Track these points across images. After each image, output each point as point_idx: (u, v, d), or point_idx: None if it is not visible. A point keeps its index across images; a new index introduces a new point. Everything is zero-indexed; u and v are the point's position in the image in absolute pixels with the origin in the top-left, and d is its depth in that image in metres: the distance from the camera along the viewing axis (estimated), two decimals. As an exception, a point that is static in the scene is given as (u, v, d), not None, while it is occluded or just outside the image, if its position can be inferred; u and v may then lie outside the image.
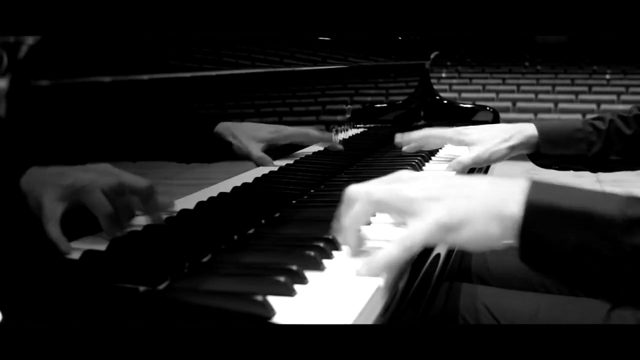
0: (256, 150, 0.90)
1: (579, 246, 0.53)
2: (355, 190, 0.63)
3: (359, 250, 0.64)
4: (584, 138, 1.13)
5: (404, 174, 0.65)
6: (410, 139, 1.21)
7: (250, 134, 0.88)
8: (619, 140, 1.13)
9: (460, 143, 1.15)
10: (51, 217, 0.54)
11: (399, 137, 1.22)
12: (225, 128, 0.82)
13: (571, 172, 1.21)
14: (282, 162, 0.99)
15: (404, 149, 1.23)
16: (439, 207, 0.58)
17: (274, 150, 0.97)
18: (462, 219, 0.57)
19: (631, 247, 0.52)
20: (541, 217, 0.55)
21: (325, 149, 1.13)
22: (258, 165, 0.90)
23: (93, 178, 0.59)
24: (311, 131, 1.10)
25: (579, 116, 8.09)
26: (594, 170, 1.17)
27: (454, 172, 1.10)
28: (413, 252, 0.59)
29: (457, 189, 0.60)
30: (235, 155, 0.85)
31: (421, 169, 1.14)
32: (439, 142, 1.22)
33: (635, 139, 1.13)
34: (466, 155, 1.11)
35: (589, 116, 1.22)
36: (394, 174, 0.65)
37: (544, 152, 1.13)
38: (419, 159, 1.16)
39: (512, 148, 1.12)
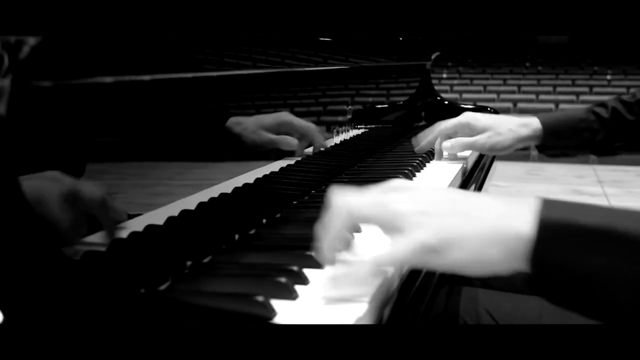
0: (273, 135, 0.92)
1: (604, 270, 0.46)
2: (339, 200, 0.55)
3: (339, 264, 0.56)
4: (588, 127, 1.15)
5: (396, 184, 0.56)
6: (425, 146, 1.22)
7: (258, 124, 0.89)
8: (621, 126, 1.15)
9: (472, 130, 1.15)
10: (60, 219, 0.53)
11: (415, 141, 1.23)
12: (236, 123, 0.83)
13: (573, 172, 1.23)
14: (283, 163, 0.99)
15: (416, 149, 1.23)
16: (427, 224, 0.50)
17: (276, 151, 0.97)
18: (451, 240, 0.49)
19: None
20: (559, 238, 0.47)
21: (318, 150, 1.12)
22: (283, 147, 0.93)
23: (45, 187, 0.53)
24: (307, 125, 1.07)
25: (579, 117, 8.09)
26: (599, 154, 1.19)
27: (454, 161, 1.11)
28: (388, 274, 0.52)
29: (452, 204, 0.52)
30: (244, 153, 0.86)
31: (422, 169, 1.14)
32: (451, 133, 1.20)
33: (638, 125, 1.14)
34: (470, 137, 1.13)
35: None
36: (386, 183, 0.57)
37: (549, 143, 1.15)
38: (420, 159, 1.16)
39: (519, 140, 1.14)
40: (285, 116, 0.99)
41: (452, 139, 1.15)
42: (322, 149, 1.11)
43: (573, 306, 0.50)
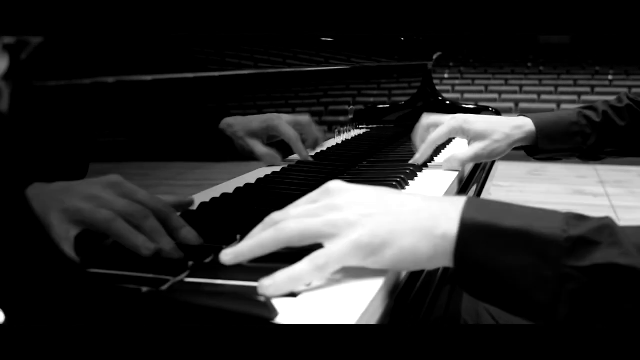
0: (258, 147, 0.89)
1: (518, 269, 0.50)
2: (274, 216, 0.57)
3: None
4: (580, 131, 1.14)
5: (331, 186, 0.58)
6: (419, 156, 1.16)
7: (246, 129, 0.88)
8: (613, 132, 1.14)
9: (465, 133, 1.12)
10: (64, 238, 0.52)
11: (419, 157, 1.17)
12: (228, 125, 0.82)
13: (575, 172, 1.22)
14: (284, 164, 0.99)
15: (411, 161, 1.20)
16: (361, 226, 0.53)
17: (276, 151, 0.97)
18: (385, 238, 0.52)
19: (573, 269, 0.49)
20: (477, 237, 0.51)
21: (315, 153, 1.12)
22: (266, 163, 0.90)
23: (109, 208, 0.54)
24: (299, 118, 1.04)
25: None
26: (586, 159, 1.18)
27: (451, 171, 1.09)
28: (326, 273, 0.52)
29: (384, 205, 0.54)
30: (238, 155, 0.85)
31: (422, 171, 1.14)
32: (445, 141, 1.18)
33: (628, 130, 1.14)
34: (464, 150, 1.11)
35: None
36: (322, 188, 0.59)
37: (542, 147, 1.14)
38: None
39: (513, 143, 1.12)
40: (273, 120, 0.95)
41: (450, 158, 1.10)
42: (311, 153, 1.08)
43: (493, 301, 0.53)
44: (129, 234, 0.56)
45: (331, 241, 0.53)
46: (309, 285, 0.54)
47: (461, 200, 0.53)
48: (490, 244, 0.50)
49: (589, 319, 0.50)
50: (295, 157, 1.02)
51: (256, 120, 0.91)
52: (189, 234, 0.62)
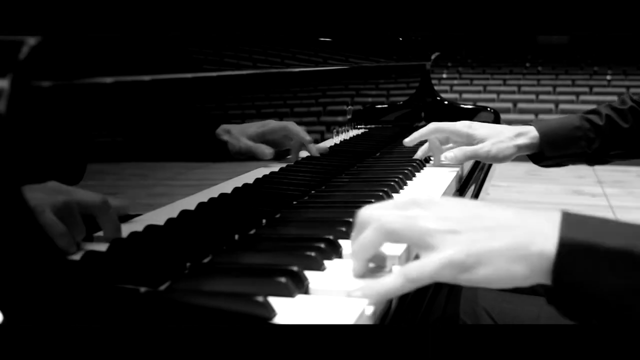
0: (252, 143, 0.88)
1: (623, 291, 0.48)
2: (367, 215, 0.57)
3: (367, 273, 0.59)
4: (583, 136, 1.13)
5: (422, 198, 0.57)
6: (414, 138, 1.17)
7: (241, 131, 0.87)
8: (617, 135, 1.13)
9: (469, 138, 1.12)
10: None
11: (408, 141, 1.18)
12: (225, 131, 0.82)
13: (573, 173, 1.21)
14: (283, 164, 0.99)
15: (417, 155, 1.19)
16: (456, 241, 0.52)
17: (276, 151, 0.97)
18: (480, 257, 0.51)
19: None
20: (579, 258, 0.49)
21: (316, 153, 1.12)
22: (258, 156, 0.89)
23: (41, 198, 0.53)
24: (292, 126, 1.02)
25: (579, 117, 8.09)
26: (592, 163, 1.17)
27: (456, 162, 1.09)
28: (417, 285, 0.53)
29: (478, 220, 0.53)
30: (233, 156, 0.85)
31: (421, 170, 1.14)
32: (445, 137, 1.17)
33: (632, 132, 1.13)
34: (472, 146, 1.10)
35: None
36: (410, 197, 0.58)
37: (547, 154, 1.13)
38: (418, 162, 1.16)
39: (519, 147, 1.12)
40: (267, 125, 0.94)
41: (455, 149, 1.09)
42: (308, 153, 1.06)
43: (588, 321, 0.51)
44: (51, 224, 0.54)
45: (424, 253, 0.53)
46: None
47: (557, 216, 0.51)
48: (591, 265, 0.48)
49: None
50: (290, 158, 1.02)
51: (253, 124, 0.90)
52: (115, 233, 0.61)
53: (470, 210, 0.55)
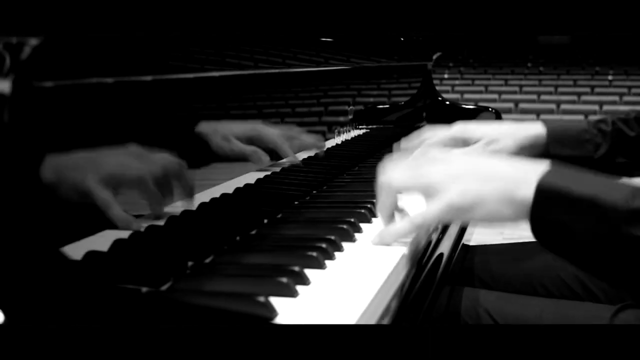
0: (242, 145, 0.87)
1: (585, 231, 0.56)
2: (381, 181, 0.68)
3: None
4: (591, 139, 1.12)
5: (430, 154, 0.68)
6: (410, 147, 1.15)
7: (227, 133, 0.85)
8: (623, 142, 1.12)
9: (465, 143, 1.07)
10: (110, 202, 0.59)
11: (402, 145, 1.15)
12: (207, 129, 0.80)
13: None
14: (276, 167, 0.99)
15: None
16: (454, 188, 0.62)
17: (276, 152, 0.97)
18: (474, 201, 0.61)
19: (630, 236, 0.54)
20: (550, 202, 0.57)
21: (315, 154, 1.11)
22: (254, 163, 0.88)
23: (142, 169, 0.64)
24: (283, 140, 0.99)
25: (581, 117, 8.07)
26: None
27: None
28: (424, 228, 0.66)
29: (474, 170, 0.63)
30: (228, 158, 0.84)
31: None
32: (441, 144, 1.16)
33: (638, 141, 1.12)
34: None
35: (591, 117, 1.21)
36: (422, 152, 0.72)
37: (553, 152, 1.10)
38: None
39: (520, 148, 1.09)
40: (256, 127, 0.93)
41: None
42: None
43: (565, 255, 0.60)
44: (149, 193, 0.65)
45: (429, 200, 0.63)
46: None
47: (543, 166, 0.60)
48: (562, 210, 0.57)
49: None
50: (283, 161, 1.01)
51: (238, 127, 0.89)
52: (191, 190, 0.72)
53: (468, 162, 0.65)
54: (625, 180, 0.59)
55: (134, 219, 0.62)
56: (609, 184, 0.58)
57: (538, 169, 0.59)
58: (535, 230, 0.59)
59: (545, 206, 0.58)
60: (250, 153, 0.87)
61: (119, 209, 0.60)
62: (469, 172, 0.63)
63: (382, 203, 0.68)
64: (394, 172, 0.68)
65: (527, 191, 0.58)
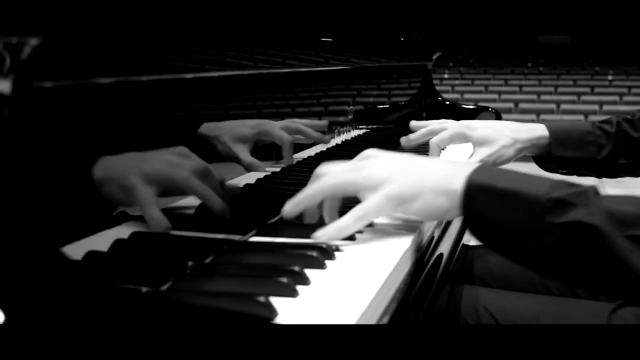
0: (245, 154, 0.87)
1: (512, 223, 0.60)
2: (320, 170, 0.69)
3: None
4: (594, 141, 1.11)
5: (368, 152, 0.71)
6: (414, 138, 1.14)
7: (233, 134, 0.86)
8: (626, 143, 1.11)
9: (467, 139, 1.08)
10: (150, 200, 0.61)
11: (404, 141, 1.15)
12: (209, 129, 0.80)
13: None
14: (277, 167, 0.99)
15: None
16: (393, 182, 0.65)
17: (277, 151, 0.97)
18: (413, 193, 0.64)
19: (553, 225, 0.58)
20: (477, 194, 0.62)
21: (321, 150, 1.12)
22: (248, 171, 0.88)
23: (188, 169, 0.66)
24: (291, 125, 1.01)
25: (581, 117, 8.07)
26: (599, 175, 1.14)
27: None
28: (365, 222, 0.65)
29: (411, 166, 0.67)
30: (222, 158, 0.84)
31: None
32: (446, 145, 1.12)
33: None
34: (470, 158, 1.08)
35: (591, 117, 1.21)
36: (360, 154, 0.71)
37: (555, 153, 1.08)
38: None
39: (520, 150, 1.07)
40: (265, 125, 0.93)
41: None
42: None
43: (494, 247, 0.64)
44: (204, 190, 0.67)
45: (367, 195, 0.65)
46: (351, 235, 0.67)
47: (472, 165, 0.65)
48: (488, 202, 0.61)
49: (563, 271, 0.59)
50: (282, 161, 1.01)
51: (246, 126, 0.89)
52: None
53: (404, 159, 0.68)
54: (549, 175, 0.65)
55: (169, 223, 0.63)
56: (531, 179, 0.62)
57: (469, 166, 0.64)
58: (467, 222, 0.63)
59: (473, 199, 0.62)
60: (245, 166, 0.87)
61: (157, 209, 0.62)
62: (407, 167, 0.66)
63: (310, 193, 0.67)
64: (334, 166, 0.69)
65: (459, 184, 0.63)
